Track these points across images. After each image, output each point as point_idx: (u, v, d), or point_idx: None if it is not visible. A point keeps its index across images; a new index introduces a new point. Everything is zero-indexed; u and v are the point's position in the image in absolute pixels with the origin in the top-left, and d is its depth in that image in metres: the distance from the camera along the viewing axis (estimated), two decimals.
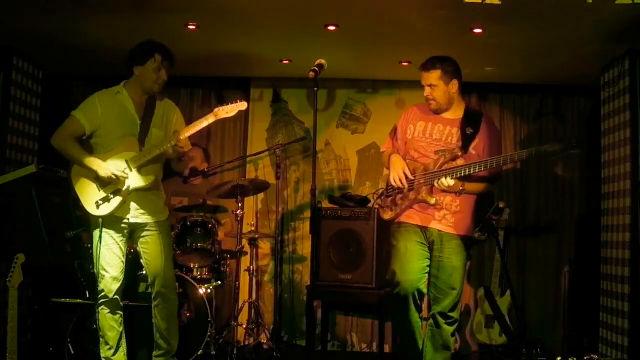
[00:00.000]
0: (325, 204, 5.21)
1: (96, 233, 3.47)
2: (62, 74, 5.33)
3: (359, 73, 5.36)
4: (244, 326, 4.88)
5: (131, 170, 3.46)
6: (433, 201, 3.39)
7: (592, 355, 4.13)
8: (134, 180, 3.48)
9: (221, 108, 3.51)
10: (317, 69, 3.21)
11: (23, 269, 3.39)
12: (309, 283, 5.05)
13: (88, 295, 4.10)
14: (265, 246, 5.52)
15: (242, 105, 3.53)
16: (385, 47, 4.54)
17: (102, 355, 3.52)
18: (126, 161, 3.45)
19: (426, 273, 3.50)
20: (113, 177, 3.39)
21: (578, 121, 5.47)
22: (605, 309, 4.50)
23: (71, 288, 4.23)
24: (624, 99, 4.32)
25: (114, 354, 3.51)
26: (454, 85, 3.48)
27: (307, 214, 5.43)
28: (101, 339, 3.52)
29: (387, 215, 3.61)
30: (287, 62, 4.99)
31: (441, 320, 3.47)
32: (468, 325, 5.09)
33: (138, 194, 3.52)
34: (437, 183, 3.32)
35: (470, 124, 3.47)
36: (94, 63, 5.02)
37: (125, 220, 3.52)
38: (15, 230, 3.86)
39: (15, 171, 4.02)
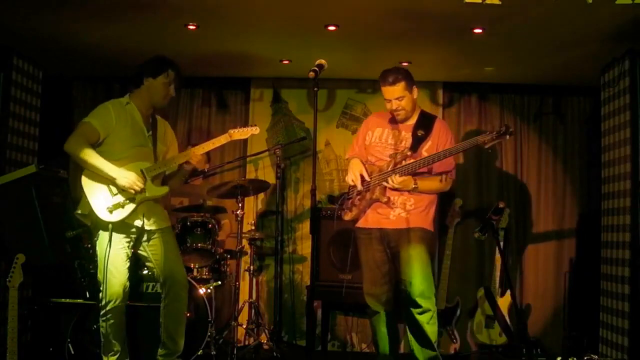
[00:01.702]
0: (325, 204, 5.21)
1: (104, 237, 3.47)
2: (62, 74, 5.32)
3: (359, 73, 5.35)
4: (244, 326, 4.88)
5: (146, 180, 3.52)
6: (385, 199, 3.56)
7: (592, 355, 4.14)
8: (150, 189, 3.54)
9: (235, 130, 3.81)
10: (317, 69, 3.22)
11: (23, 269, 3.38)
12: (309, 283, 5.05)
13: (88, 295, 4.09)
14: (265, 246, 5.52)
15: (255, 130, 3.89)
16: (385, 47, 4.54)
17: None
18: (141, 170, 3.50)
19: (390, 277, 3.67)
20: (136, 185, 3.43)
21: (578, 121, 5.47)
22: (605, 309, 4.49)
23: (71, 288, 4.23)
24: (624, 99, 4.31)
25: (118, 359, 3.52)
26: (415, 91, 3.68)
27: (307, 214, 5.43)
28: (105, 345, 3.52)
29: (347, 216, 3.78)
30: (287, 62, 4.98)
31: (412, 311, 3.55)
32: (468, 325, 5.09)
33: (147, 202, 3.57)
34: (388, 180, 3.49)
35: (421, 127, 3.64)
36: (94, 63, 5.02)
37: (136, 226, 3.54)
38: (15, 230, 3.85)
39: (15, 171, 4.01)
